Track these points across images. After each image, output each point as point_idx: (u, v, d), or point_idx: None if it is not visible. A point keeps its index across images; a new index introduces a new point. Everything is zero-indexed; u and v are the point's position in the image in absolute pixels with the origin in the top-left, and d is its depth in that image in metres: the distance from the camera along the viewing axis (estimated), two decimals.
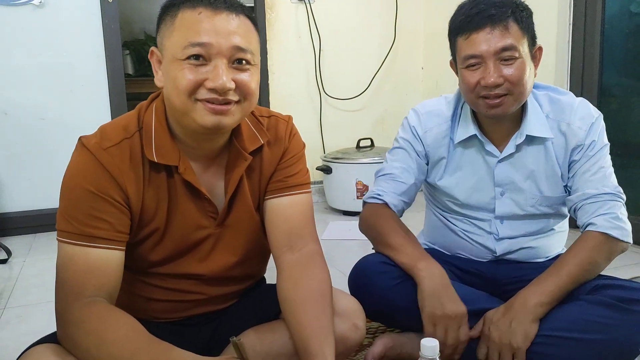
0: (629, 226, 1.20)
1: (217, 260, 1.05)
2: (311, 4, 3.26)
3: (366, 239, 1.37)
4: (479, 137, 1.29)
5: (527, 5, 1.20)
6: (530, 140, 1.27)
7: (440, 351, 0.96)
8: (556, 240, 1.40)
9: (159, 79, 0.95)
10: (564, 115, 1.26)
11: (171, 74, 0.90)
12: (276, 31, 3.23)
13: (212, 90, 0.88)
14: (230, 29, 0.89)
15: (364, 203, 1.39)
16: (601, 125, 1.27)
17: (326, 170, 3.09)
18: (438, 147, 1.35)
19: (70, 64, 2.80)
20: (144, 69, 4.43)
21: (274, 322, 1.06)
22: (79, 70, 2.82)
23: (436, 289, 1.14)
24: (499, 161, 1.29)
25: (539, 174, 1.29)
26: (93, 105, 2.86)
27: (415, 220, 1.67)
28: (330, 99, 3.41)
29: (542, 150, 1.28)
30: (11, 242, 2.49)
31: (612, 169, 1.27)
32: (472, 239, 1.38)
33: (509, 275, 1.35)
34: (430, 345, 0.89)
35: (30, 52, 2.72)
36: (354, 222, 2.93)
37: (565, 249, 1.35)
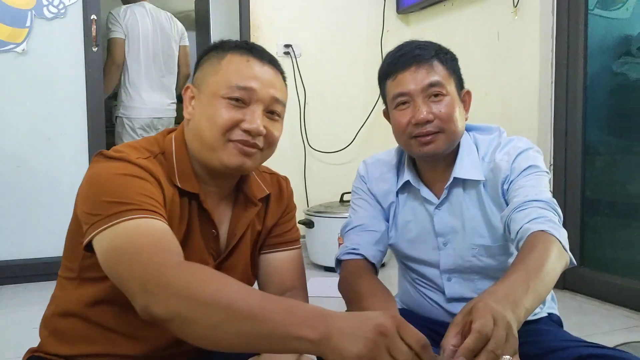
0: (565, 234, 1.01)
1: None
2: (297, 58, 3.28)
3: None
4: (413, 183, 1.25)
5: (450, 50, 1.22)
6: (462, 183, 1.22)
7: None
8: None
9: (188, 112, 0.98)
10: (493, 153, 1.20)
11: (209, 109, 0.93)
12: None
13: (246, 131, 0.93)
14: (272, 80, 0.99)
15: (339, 262, 1.29)
16: (531, 155, 1.16)
17: (308, 224, 3.01)
18: (385, 196, 1.30)
19: (51, 112, 2.77)
20: None
21: None
22: (59, 119, 2.79)
23: None
24: (436, 207, 1.24)
25: (476, 221, 1.22)
26: (71, 154, 2.81)
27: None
28: (315, 152, 3.39)
29: (475, 195, 1.22)
30: None
31: (548, 191, 1.13)
32: (432, 300, 1.28)
33: None
34: None
35: (10, 99, 2.69)
36: (336, 278, 2.84)
37: (544, 309, 1.26)
